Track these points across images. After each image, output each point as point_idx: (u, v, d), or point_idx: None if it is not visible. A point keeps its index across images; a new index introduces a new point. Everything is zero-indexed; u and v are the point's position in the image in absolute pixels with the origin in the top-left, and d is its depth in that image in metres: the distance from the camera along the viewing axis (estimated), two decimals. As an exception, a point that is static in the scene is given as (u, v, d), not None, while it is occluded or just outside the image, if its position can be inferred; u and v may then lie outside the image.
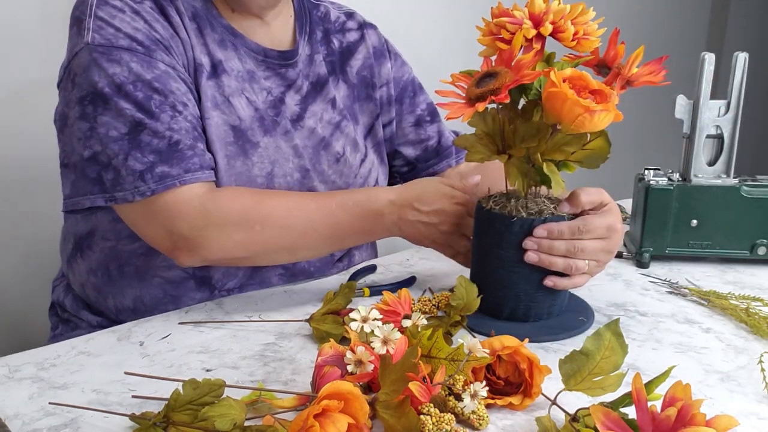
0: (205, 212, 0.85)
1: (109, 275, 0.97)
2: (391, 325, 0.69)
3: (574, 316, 0.88)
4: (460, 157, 1.19)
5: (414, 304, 0.85)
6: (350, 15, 1.14)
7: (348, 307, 0.87)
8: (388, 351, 0.67)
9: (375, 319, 0.71)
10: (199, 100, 0.91)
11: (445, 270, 1.06)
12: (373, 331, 0.69)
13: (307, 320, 0.84)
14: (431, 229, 0.92)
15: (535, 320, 0.86)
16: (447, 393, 0.68)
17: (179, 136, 0.85)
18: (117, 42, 0.85)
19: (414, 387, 0.62)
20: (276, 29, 1.02)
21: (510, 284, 0.84)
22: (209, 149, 0.90)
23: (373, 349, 0.67)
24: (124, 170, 0.84)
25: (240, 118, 0.93)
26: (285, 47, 1.02)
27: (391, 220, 0.91)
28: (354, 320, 0.72)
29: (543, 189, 0.83)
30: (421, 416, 0.61)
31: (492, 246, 0.84)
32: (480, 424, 0.66)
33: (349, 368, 0.66)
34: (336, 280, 1.02)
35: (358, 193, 0.94)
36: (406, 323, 0.75)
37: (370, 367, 0.65)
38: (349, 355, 0.66)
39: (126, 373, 0.74)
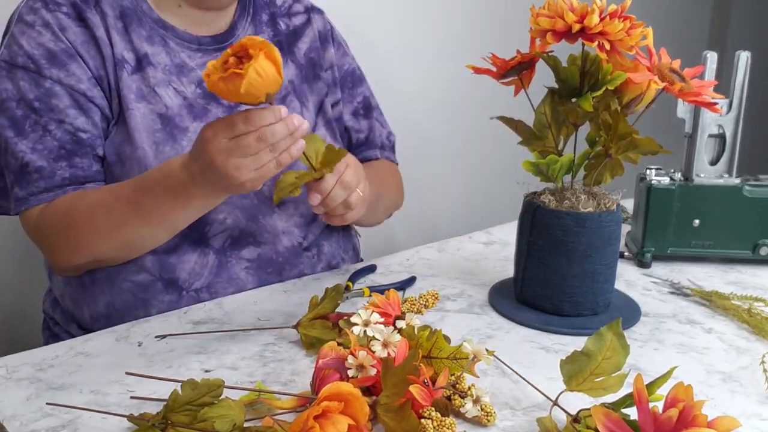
0: (40, 227, 0.92)
1: (82, 283, 0.98)
2: (391, 328, 0.68)
3: (619, 310, 0.91)
4: (385, 153, 1.21)
5: (402, 304, 0.85)
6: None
7: (339, 310, 0.85)
8: (389, 354, 0.67)
9: (377, 322, 0.71)
10: (119, 95, 0.94)
11: (445, 270, 1.06)
12: (374, 334, 0.68)
13: (294, 326, 0.82)
14: (218, 146, 0.78)
15: (593, 314, 0.88)
16: (451, 392, 0.68)
17: (31, 158, 0.90)
18: (16, 59, 0.92)
19: (415, 390, 0.61)
20: (217, 17, 1.04)
21: (574, 277, 0.86)
22: (135, 138, 0.93)
23: (374, 352, 0.67)
24: (1, 183, 0.96)
25: (167, 106, 0.96)
26: (222, 31, 1.04)
27: (190, 168, 0.82)
28: (356, 324, 0.71)
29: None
30: (422, 420, 0.61)
31: (557, 242, 0.85)
32: (488, 420, 0.66)
33: (351, 372, 0.65)
34: (334, 279, 1.02)
35: (157, 176, 0.88)
36: (400, 324, 0.74)
37: (373, 372, 0.65)
38: (350, 359, 0.66)
39: (127, 373, 0.73)
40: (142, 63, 0.96)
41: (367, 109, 1.21)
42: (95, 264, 0.94)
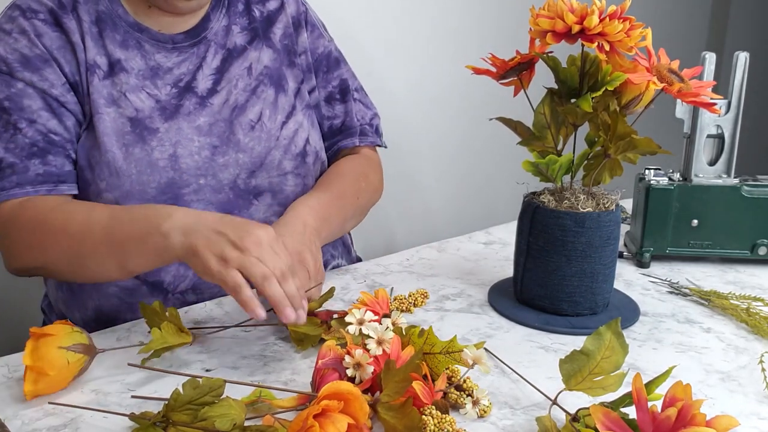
0: (5, 223, 0.90)
1: (71, 289, 0.99)
2: (384, 326, 0.69)
3: (618, 310, 0.92)
4: (366, 139, 1.15)
5: (391, 303, 0.85)
6: None
7: (327, 307, 0.85)
8: (384, 351, 0.67)
9: (371, 321, 0.71)
10: (88, 98, 0.94)
11: (445, 270, 1.06)
12: (367, 332, 0.69)
13: (283, 324, 0.81)
14: (222, 239, 0.76)
15: (592, 313, 0.89)
16: (446, 386, 0.68)
17: (4, 156, 0.90)
18: None
19: (417, 386, 0.62)
20: (190, 15, 1.02)
21: (573, 277, 0.87)
22: (104, 142, 0.93)
23: (369, 350, 0.67)
24: None
25: (137, 110, 0.96)
26: (194, 26, 1.03)
27: (174, 225, 0.79)
28: (350, 323, 0.72)
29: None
30: (423, 417, 0.61)
31: (556, 242, 0.86)
32: (485, 411, 0.67)
33: (349, 372, 0.66)
34: (336, 279, 1.02)
35: (145, 207, 0.88)
36: (386, 322, 0.75)
37: (370, 369, 0.65)
38: (347, 359, 0.66)
39: (129, 364, 0.73)
40: (114, 68, 0.96)
41: (344, 92, 1.15)
42: (39, 272, 0.93)
